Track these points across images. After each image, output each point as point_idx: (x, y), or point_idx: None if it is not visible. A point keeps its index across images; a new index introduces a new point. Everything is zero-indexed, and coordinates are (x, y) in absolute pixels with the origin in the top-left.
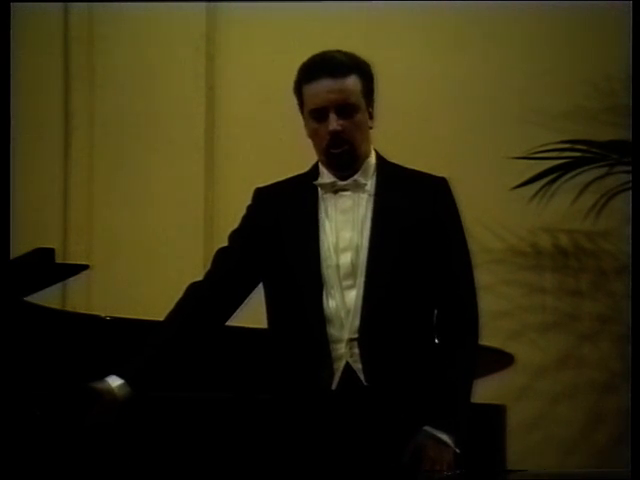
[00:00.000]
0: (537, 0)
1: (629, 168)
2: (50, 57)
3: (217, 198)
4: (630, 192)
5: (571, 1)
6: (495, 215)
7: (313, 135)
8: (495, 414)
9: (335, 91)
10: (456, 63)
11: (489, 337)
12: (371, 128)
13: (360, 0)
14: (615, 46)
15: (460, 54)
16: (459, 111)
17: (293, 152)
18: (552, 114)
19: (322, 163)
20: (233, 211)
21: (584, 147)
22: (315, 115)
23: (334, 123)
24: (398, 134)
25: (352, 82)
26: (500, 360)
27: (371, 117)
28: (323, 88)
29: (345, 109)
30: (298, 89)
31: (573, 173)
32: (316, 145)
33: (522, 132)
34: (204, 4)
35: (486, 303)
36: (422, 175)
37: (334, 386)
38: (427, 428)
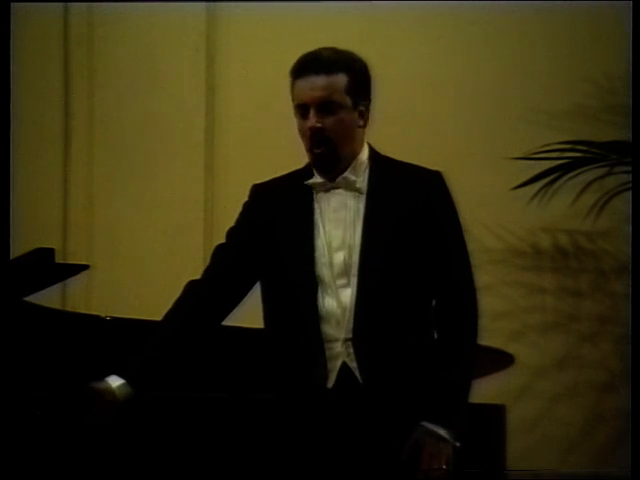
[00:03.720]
0: (537, 0)
1: (629, 168)
2: (50, 57)
3: (217, 198)
4: (630, 192)
5: (571, 1)
6: (495, 215)
7: (299, 132)
8: (495, 414)
9: (317, 88)
10: (456, 63)
11: (489, 337)
12: (362, 127)
13: (360, 0)
14: (615, 45)
15: (460, 54)
16: (459, 111)
17: (292, 152)
18: (552, 113)
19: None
20: (233, 211)
21: (584, 147)
22: (299, 112)
23: (313, 119)
24: (398, 134)
25: (336, 80)
26: (500, 360)
27: (362, 116)
28: (306, 85)
29: (326, 106)
30: (290, 87)
31: (573, 173)
32: (302, 143)
33: (522, 131)
34: (204, 4)
35: (486, 303)
36: (416, 169)
37: (330, 385)
38: (425, 424)
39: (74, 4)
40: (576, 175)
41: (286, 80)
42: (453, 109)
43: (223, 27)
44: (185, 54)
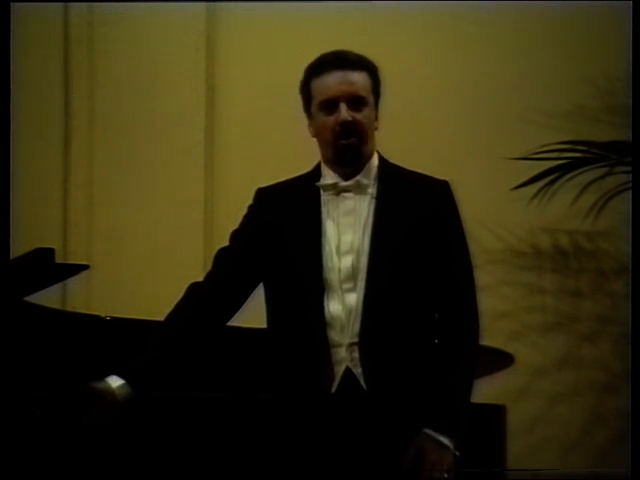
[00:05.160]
0: (537, 0)
1: (629, 168)
2: (50, 57)
3: (217, 198)
4: (630, 192)
5: (571, 1)
6: (495, 215)
7: (321, 129)
8: (495, 414)
9: (346, 83)
10: (456, 63)
11: (489, 338)
12: (376, 129)
13: (360, 0)
14: (615, 46)
15: (460, 54)
16: (459, 111)
17: (293, 152)
18: (552, 114)
19: (327, 159)
20: (233, 211)
21: (584, 148)
22: (325, 106)
23: (345, 113)
24: (398, 135)
25: (362, 77)
26: (500, 360)
27: (376, 118)
28: (334, 80)
29: (355, 101)
30: (306, 86)
31: (573, 173)
32: (323, 139)
33: (522, 132)
34: (204, 4)
35: (486, 304)
36: (424, 178)
37: (334, 390)
38: (427, 431)
39: (74, 4)
40: (576, 175)
41: (286, 79)
42: (453, 109)
43: (223, 27)
44: (185, 54)
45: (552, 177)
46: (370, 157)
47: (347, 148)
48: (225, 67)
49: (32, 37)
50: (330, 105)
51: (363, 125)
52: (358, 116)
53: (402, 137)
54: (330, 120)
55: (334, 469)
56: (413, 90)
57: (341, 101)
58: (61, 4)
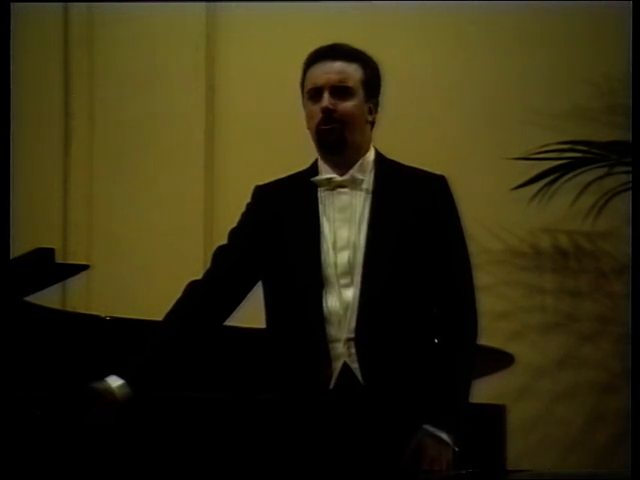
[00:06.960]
0: (537, 0)
1: (629, 168)
2: (50, 57)
3: (217, 198)
4: (630, 192)
5: (571, 1)
6: (495, 216)
7: (308, 117)
8: (495, 414)
9: (333, 72)
10: (455, 63)
11: (489, 338)
12: (371, 123)
13: (360, 0)
14: (615, 46)
15: (459, 54)
16: (459, 111)
17: (293, 152)
18: (552, 114)
19: (317, 150)
20: (233, 211)
21: (584, 148)
22: (311, 95)
23: (326, 101)
24: (398, 135)
25: (352, 68)
26: (500, 360)
27: (371, 112)
28: (322, 69)
29: (340, 91)
30: (302, 78)
31: (573, 174)
32: (310, 128)
33: (522, 132)
34: (204, 4)
35: (486, 304)
36: (421, 173)
37: (332, 386)
38: (426, 427)
39: (74, 4)
40: (576, 175)
41: (286, 80)
42: (453, 110)
43: (223, 27)
44: (185, 54)
45: (552, 177)
46: (363, 152)
47: (328, 133)
48: (225, 67)
49: (32, 37)
50: (316, 94)
51: (347, 113)
52: (342, 105)
53: (402, 137)
54: (315, 109)
55: (333, 465)
56: (413, 90)
57: (325, 89)
58: (61, 4)
